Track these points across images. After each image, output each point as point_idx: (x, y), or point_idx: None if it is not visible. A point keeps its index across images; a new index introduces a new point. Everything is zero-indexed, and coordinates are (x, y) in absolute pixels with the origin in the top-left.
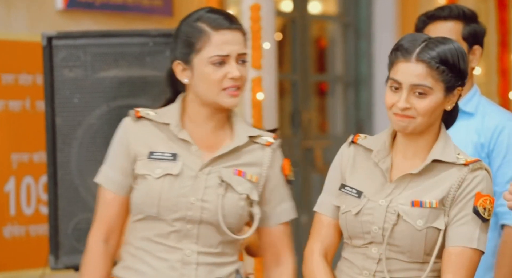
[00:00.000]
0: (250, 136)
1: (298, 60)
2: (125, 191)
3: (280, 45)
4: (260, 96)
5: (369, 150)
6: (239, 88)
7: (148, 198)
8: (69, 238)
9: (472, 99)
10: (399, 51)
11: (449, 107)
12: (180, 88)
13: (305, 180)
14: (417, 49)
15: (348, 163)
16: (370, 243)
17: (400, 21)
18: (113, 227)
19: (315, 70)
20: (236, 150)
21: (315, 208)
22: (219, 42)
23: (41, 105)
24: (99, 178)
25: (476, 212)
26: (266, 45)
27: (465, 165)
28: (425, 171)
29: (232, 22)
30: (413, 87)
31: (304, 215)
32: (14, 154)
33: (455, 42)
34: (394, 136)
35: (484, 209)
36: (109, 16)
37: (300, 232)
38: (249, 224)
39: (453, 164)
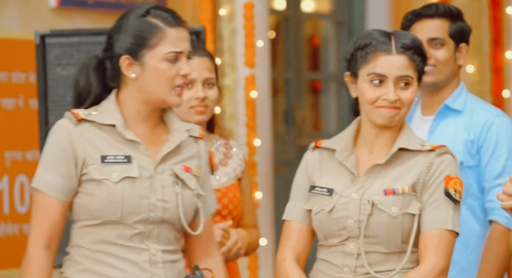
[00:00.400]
0: (186, 130)
1: (291, 58)
2: (68, 196)
3: (274, 43)
4: (253, 94)
5: (333, 150)
6: (184, 86)
7: (110, 203)
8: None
9: (459, 97)
10: (373, 46)
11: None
12: (108, 84)
13: None
14: (394, 41)
15: (315, 167)
16: (347, 239)
17: (393, 20)
18: (55, 233)
19: (308, 68)
20: (178, 145)
21: (284, 217)
22: (174, 38)
23: (34, 103)
24: (37, 183)
25: (447, 194)
26: (260, 43)
27: (431, 150)
28: (392, 160)
29: (181, 20)
30: (398, 79)
31: None
32: (7, 152)
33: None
34: (356, 134)
35: (455, 191)
36: (102, 14)
37: None
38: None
39: (418, 151)
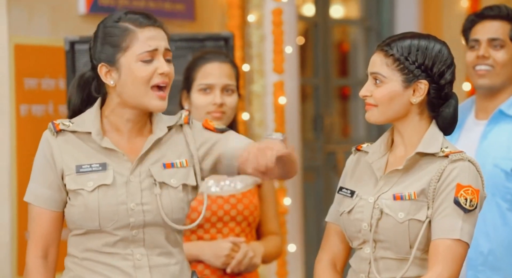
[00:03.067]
0: (168, 126)
1: (320, 64)
2: (57, 205)
3: (302, 49)
4: (282, 100)
5: (368, 153)
6: (166, 86)
7: (87, 213)
8: None
9: None
10: None
11: (414, 100)
12: (90, 95)
13: (327, 184)
14: (386, 42)
15: (349, 169)
16: (363, 242)
17: (422, 25)
18: (50, 242)
19: (337, 75)
20: (157, 144)
21: (326, 218)
22: (146, 38)
23: (64, 109)
24: (27, 197)
25: (457, 203)
26: (288, 50)
27: (445, 156)
28: (411, 165)
29: (154, 20)
30: (372, 75)
31: None
32: None
33: (432, 41)
34: (392, 138)
35: (466, 199)
36: None
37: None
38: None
39: (436, 156)
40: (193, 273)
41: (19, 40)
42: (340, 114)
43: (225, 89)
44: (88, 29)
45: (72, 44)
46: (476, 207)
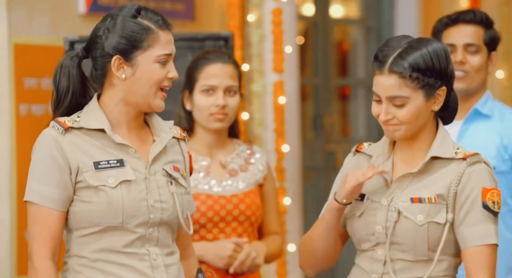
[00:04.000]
0: (170, 128)
1: (320, 64)
2: (64, 205)
3: (302, 49)
4: (282, 100)
5: (371, 156)
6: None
7: (110, 209)
8: None
9: (487, 103)
10: (375, 63)
11: (436, 108)
12: (89, 85)
13: (327, 184)
14: (390, 60)
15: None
16: (376, 244)
17: (422, 25)
18: (57, 243)
19: (337, 74)
20: (164, 146)
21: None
22: (166, 41)
23: None
24: (32, 196)
25: (486, 207)
26: (288, 49)
27: (463, 159)
28: (425, 169)
29: (169, 23)
30: (390, 99)
31: None
32: None
33: (433, 44)
34: (394, 141)
35: (493, 202)
36: None
37: None
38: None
39: (452, 159)
40: (199, 270)
41: (19, 39)
42: (340, 114)
43: (227, 90)
44: (88, 28)
45: (72, 43)
46: (501, 208)
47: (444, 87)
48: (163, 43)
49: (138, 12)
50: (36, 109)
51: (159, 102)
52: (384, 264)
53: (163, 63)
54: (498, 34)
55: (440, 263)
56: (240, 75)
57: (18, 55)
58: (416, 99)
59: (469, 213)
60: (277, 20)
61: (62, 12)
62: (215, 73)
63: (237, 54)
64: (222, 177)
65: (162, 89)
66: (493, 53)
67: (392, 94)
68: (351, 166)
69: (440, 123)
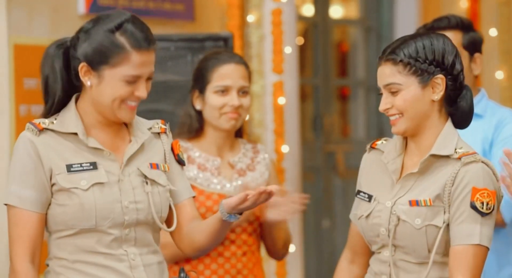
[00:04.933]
0: (148, 128)
1: (319, 65)
2: (43, 207)
3: (302, 49)
4: (281, 100)
5: (383, 152)
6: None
7: (83, 212)
8: None
9: (480, 102)
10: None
11: (435, 97)
12: (70, 87)
13: (326, 185)
14: (388, 51)
15: (365, 169)
16: (382, 246)
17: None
18: (37, 246)
19: (336, 75)
20: (141, 145)
21: (350, 216)
22: (137, 63)
23: None
24: (10, 200)
25: (473, 207)
26: (288, 50)
27: (458, 158)
28: (426, 168)
29: (151, 42)
30: (387, 87)
31: (325, 220)
32: None
33: (432, 35)
34: (406, 139)
35: (482, 203)
36: None
37: (321, 236)
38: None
39: (450, 158)
40: (182, 270)
41: (19, 40)
42: (339, 114)
43: (240, 90)
44: None
45: None
46: (493, 209)
47: (441, 76)
48: (133, 64)
49: (119, 26)
50: (36, 109)
51: (125, 114)
52: (389, 266)
53: (130, 82)
54: (480, 35)
55: (441, 264)
56: (250, 75)
57: (18, 55)
58: (411, 86)
59: (457, 212)
60: (276, 21)
61: (61, 12)
62: (228, 74)
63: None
64: (232, 177)
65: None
66: (476, 54)
67: (386, 82)
68: (367, 163)
69: (449, 122)
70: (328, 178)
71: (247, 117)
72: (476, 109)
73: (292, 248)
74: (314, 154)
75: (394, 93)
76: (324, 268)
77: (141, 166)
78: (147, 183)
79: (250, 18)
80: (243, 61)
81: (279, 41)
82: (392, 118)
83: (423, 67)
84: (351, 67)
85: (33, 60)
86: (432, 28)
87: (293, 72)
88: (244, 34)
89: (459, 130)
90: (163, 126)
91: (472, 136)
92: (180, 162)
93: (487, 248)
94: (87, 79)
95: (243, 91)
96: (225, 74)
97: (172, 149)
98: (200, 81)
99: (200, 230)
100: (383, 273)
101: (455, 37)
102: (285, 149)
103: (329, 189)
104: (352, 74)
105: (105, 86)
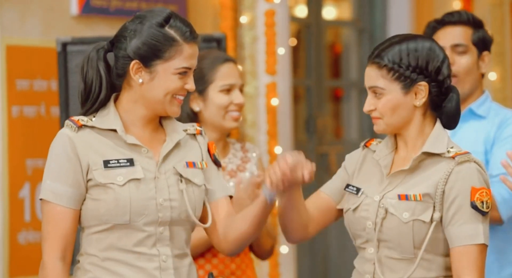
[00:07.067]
0: (184, 129)
1: (312, 66)
2: (77, 204)
3: (295, 50)
4: (274, 102)
5: (375, 152)
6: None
7: (118, 207)
8: None
9: (484, 104)
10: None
11: (418, 103)
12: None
13: (319, 186)
14: (375, 53)
15: (357, 166)
16: (366, 241)
17: (415, 26)
18: (69, 243)
19: (329, 76)
20: (177, 145)
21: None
22: (188, 55)
23: (56, 111)
24: (46, 195)
25: (474, 207)
26: (281, 51)
27: (452, 158)
28: (418, 166)
29: (196, 35)
30: (371, 89)
31: None
32: (29, 160)
33: (418, 40)
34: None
35: (482, 202)
36: (124, 21)
37: (314, 237)
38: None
39: (443, 157)
40: (210, 274)
41: (11, 41)
42: (332, 115)
43: (240, 89)
44: (80, 30)
45: (64, 45)
46: (490, 208)
47: (424, 83)
48: (185, 56)
49: (167, 20)
50: (28, 111)
51: (174, 109)
52: (374, 264)
53: (182, 75)
54: (490, 35)
55: (427, 263)
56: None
57: (10, 56)
58: (393, 92)
59: (457, 213)
60: (269, 22)
61: (54, 13)
62: (231, 72)
63: (230, 55)
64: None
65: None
66: (485, 53)
67: (371, 84)
68: (356, 159)
69: (438, 123)
70: (321, 179)
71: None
72: (479, 111)
73: (285, 249)
74: (307, 155)
75: (377, 95)
76: (318, 270)
77: (177, 165)
78: (181, 181)
79: (243, 19)
80: (235, 61)
81: (272, 42)
82: (373, 118)
83: (406, 74)
84: (344, 68)
85: (26, 61)
86: (443, 22)
87: (286, 73)
88: (237, 35)
89: (462, 132)
90: (199, 128)
91: (475, 137)
92: (216, 162)
93: (487, 246)
94: (138, 77)
95: (241, 90)
96: (229, 72)
97: (208, 149)
98: (199, 82)
99: (243, 218)
100: (367, 272)
101: (465, 32)
102: (278, 150)
103: None
104: (345, 75)
105: (158, 81)
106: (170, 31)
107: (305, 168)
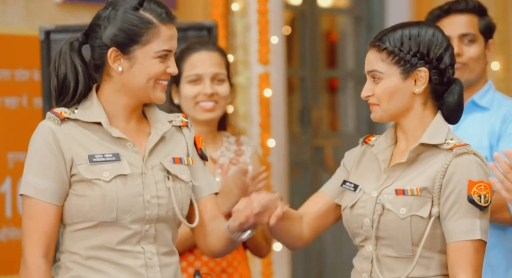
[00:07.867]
0: (169, 121)
1: (307, 55)
2: (60, 200)
3: (289, 39)
4: (267, 93)
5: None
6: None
7: (104, 203)
8: None
9: (487, 94)
10: None
11: (417, 90)
12: (91, 73)
13: (314, 180)
14: (377, 37)
15: (355, 162)
16: (365, 239)
17: (414, 14)
18: (51, 239)
19: (325, 66)
20: (163, 138)
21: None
22: (166, 36)
23: (38, 102)
24: (27, 190)
25: (471, 201)
26: (274, 40)
27: (450, 149)
28: (415, 158)
29: (173, 16)
30: (370, 74)
31: None
32: (10, 153)
33: (422, 26)
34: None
35: (480, 196)
36: None
37: None
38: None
39: (441, 149)
40: (197, 272)
41: None
42: (328, 107)
43: (215, 78)
44: (64, 18)
45: (48, 33)
46: (490, 202)
47: (424, 69)
48: (163, 39)
49: (141, 3)
50: (9, 102)
51: (159, 94)
52: (371, 262)
53: (163, 58)
54: (493, 22)
55: (426, 260)
56: (227, 63)
57: None
58: (392, 76)
59: (453, 207)
60: (262, 9)
61: (37, 1)
62: (199, 62)
63: (221, 44)
64: (215, 171)
65: (162, 81)
66: (490, 41)
67: (370, 68)
68: (355, 156)
69: (439, 114)
70: (316, 173)
71: (231, 110)
72: (482, 102)
73: (278, 247)
74: (301, 148)
75: (376, 80)
76: (312, 268)
77: (164, 161)
78: (168, 178)
79: (235, 6)
80: (216, 48)
81: (265, 31)
82: (370, 104)
83: (406, 58)
84: (340, 58)
85: (8, 50)
86: (449, 10)
87: (279, 63)
88: (228, 23)
89: (465, 125)
90: (185, 120)
91: (479, 131)
92: (203, 157)
93: (486, 243)
94: (117, 65)
95: (219, 79)
96: (196, 62)
97: (194, 143)
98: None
99: (217, 237)
100: (364, 271)
101: (471, 21)
102: (271, 143)
103: (317, 185)
104: (341, 65)
105: (139, 67)
106: (145, 13)
107: (273, 215)
